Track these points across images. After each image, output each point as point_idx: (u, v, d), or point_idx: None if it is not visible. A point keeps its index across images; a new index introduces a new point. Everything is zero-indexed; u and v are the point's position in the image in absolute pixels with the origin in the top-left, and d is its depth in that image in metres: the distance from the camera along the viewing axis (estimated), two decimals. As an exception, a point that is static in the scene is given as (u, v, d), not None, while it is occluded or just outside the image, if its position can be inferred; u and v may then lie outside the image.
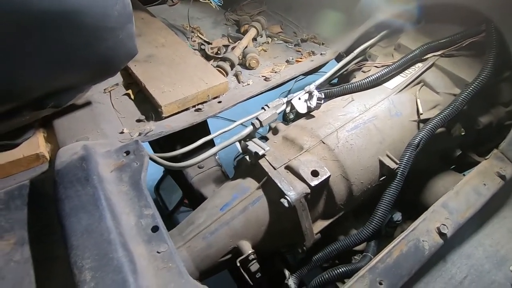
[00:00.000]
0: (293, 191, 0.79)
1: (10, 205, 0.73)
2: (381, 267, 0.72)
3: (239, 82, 1.23)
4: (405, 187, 0.91)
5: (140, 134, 0.96)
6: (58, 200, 0.66)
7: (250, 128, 1.01)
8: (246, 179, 0.90)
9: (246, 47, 1.36)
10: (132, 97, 1.11)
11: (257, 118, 1.00)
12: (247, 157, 0.91)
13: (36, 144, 0.85)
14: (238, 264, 0.78)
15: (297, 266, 0.93)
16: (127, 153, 0.83)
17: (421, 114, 1.01)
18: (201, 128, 1.12)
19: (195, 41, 1.44)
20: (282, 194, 0.78)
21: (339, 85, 1.13)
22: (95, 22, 0.65)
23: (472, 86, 0.98)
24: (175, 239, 0.81)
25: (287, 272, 0.90)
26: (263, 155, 0.87)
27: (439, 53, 1.11)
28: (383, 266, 0.72)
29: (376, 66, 1.20)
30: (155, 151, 1.41)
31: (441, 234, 0.79)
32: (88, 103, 1.01)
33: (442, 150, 1.12)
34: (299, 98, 1.04)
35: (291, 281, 0.89)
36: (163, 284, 0.59)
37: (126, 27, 0.74)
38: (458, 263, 0.83)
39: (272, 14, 1.65)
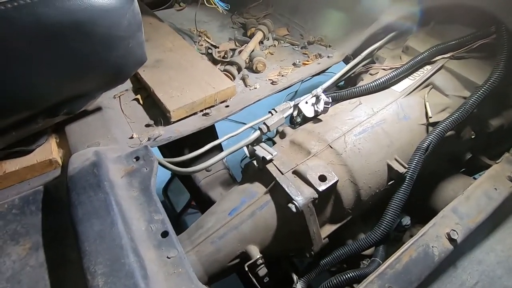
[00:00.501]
0: (300, 196, 0.79)
1: (25, 210, 0.75)
2: (390, 273, 0.72)
3: (246, 86, 1.23)
4: (414, 190, 0.90)
5: (149, 139, 0.97)
6: (71, 205, 0.68)
7: (257, 133, 1.01)
8: (254, 183, 0.90)
9: (253, 50, 1.36)
10: (141, 102, 1.13)
11: (264, 123, 1.00)
12: (255, 162, 0.91)
13: (49, 150, 0.87)
14: (246, 269, 0.79)
15: (305, 270, 0.93)
16: (137, 158, 0.84)
17: (430, 117, 1.00)
18: (209, 132, 1.13)
19: (202, 45, 1.45)
20: (290, 199, 0.79)
21: (347, 88, 1.13)
22: (106, 32, 0.66)
23: (483, 89, 0.96)
24: (184, 243, 0.82)
25: (295, 277, 0.90)
26: (271, 160, 0.87)
27: (448, 55, 1.10)
28: (392, 272, 0.72)
29: (384, 69, 1.19)
30: (163, 154, 1.43)
31: (451, 240, 0.78)
32: (98, 109, 1.03)
33: (452, 153, 1.11)
34: (306, 102, 1.04)
35: (299, 286, 0.89)
36: (173, 289, 0.60)
37: (136, 35, 0.76)
38: (469, 269, 0.82)
39: (278, 17, 1.65)
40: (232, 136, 1.03)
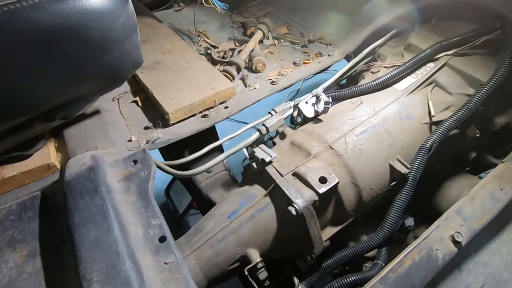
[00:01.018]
0: (300, 198, 0.78)
1: (22, 216, 0.74)
2: (392, 277, 0.71)
3: (245, 86, 1.22)
4: (417, 190, 0.88)
5: (147, 142, 0.96)
6: (68, 211, 0.67)
7: (257, 135, 1.00)
8: (254, 186, 0.89)
9: (252, 50, 1.35)
10: (140, 104, 1.12)
11: (263, 124, 0.99)
12: (254, 164, 0.90)
13: (47, 154, 0.87)
14: (246, 273, 0.78)
15: (306, 273, 0.92)
16: (135, 162, 0.83)
17: (433, 116, 0.98)
18: (209, 134, 1.12)
19: (202, 45, 1.44)
20: (290, 202, 0.77)
21: (348, 87, 1.11)
22: (100, 35, 0.65)
23: (487, 86, 0.94)
24: (183, 248, 0.82)
25: (296, 280, 0.89)
26: (270, 162, 0.86)
27: (451, 52, 1.08)
28: (395, 276, 0.71)
29: (385, 67, 1.17)
30: (163, 156, 1.42)
31: (455, 242, 0.76)
32: (97, 112, 1.02)
33: (456, 152, 1.08)
34: (306, 102, 1.03)
35: (300, 289, 0.88)
36: (171, 296, 0.59)
37: (131, 37, 0.75)
38: (474, 272, 0.80)
39: (278, 15, 1.63)
40: (233, 137, 1.01)
